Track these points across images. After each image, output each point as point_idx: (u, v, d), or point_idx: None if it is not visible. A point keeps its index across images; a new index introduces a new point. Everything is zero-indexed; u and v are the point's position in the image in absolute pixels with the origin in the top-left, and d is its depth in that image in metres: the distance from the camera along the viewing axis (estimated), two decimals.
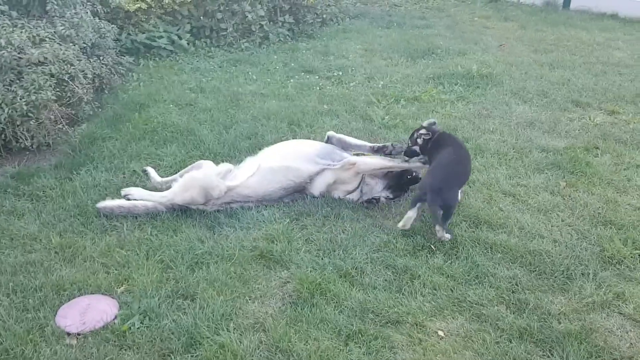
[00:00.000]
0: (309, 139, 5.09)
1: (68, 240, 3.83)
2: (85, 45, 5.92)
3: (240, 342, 3.01)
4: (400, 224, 3.89)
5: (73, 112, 5.40)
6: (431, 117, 4.50)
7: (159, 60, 7.55)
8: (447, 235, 3.83)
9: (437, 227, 3.81)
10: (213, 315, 3.18)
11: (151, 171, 4.60)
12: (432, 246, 3.81)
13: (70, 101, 5.31)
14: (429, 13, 11.02)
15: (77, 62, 5.41)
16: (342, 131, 5.02)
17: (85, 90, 5.40)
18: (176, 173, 4.53)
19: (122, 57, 6.96)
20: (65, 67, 5.21)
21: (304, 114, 5.85)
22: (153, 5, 7.58)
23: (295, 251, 3.76)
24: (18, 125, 4.82)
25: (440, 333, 3.13)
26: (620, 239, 3.88)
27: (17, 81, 4.87)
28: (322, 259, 3.69)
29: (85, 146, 5.13)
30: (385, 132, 5.49)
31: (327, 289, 3.38)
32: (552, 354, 3.00)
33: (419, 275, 3.52)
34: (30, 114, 4.81)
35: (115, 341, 3.05)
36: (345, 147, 4.69)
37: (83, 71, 5.44)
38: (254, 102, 6.20)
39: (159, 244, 3.80)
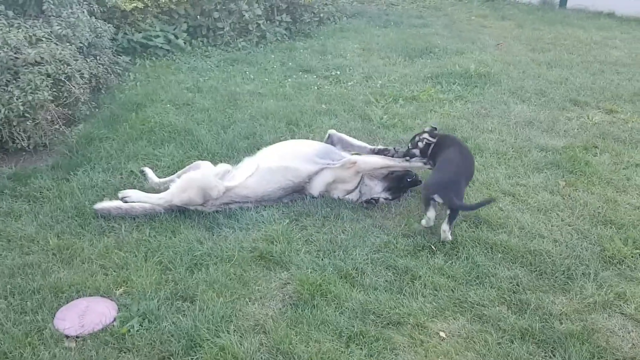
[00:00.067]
0: (308, 138, 5.08)
1: (66, 242, 3.80)
2: (81, 45, 5.89)
3: (241, 344, 2.99)
4: (423, 222, 3.91)
5: (70, 112, 5.36)
6: (432, 121, 4.49)
7: (155, 60, 7.51)
8: (450, 237, 3.81)
9: (444, 227, 3.79)
10: (213, 317, 3.15)
11: (149, 172, 4.57)
12: (433, 246, 3.79)
13: (67, 101, 5.27)
14: (426, 12, 11.02)
15: (74, 62, 5.37)
16: (341, 131, 4.99)
17: (82, 90, 5.36)
18: (174, 174, 4.50)
19: (119, 56, 6.92)
20: (62, 67, 5.17)
21: (302, 113, 5.83)
22: (149, 5, 7.55)
23: (295, 252, 3.74)
24: (14, 126, 4.78)
25: (442, 334, 3.11)
26: (620, 239, 3.87)
27: (14, 81, 4.82)
28: (322, 259, 3.67)
29: (82, 147, 5.09)
30: (384, 131, 5.47)
31: (328, 290, 3.36)
32: (554, 355, 2.99)
33: (420, 276, 3.51)
34: (26, 115, 4.77)
35: (114, 344, 3.02)
36: (345, 146, 4.68)
37: (80, 71, 5.40)
38: (252, 102, 6.18)
39: (158, 246, 3.78)
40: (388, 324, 3.17)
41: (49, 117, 4.98)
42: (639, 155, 5.10)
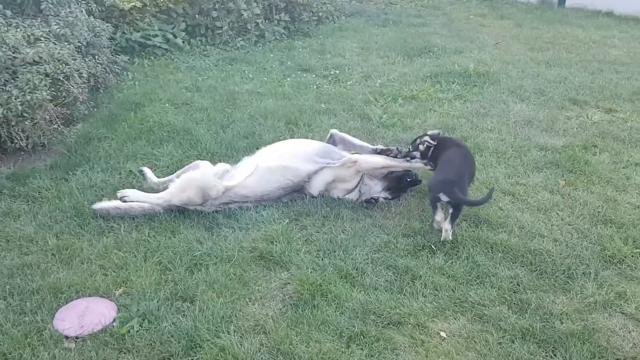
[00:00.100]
0: (307, 138, 5.07)
1: (65, 242, 3.78)
2: (80, 44, 5.87)
3: (241, 344, 2.98)
4: (435, 225, 3.91)
5: (68, 111, 5.34)
6: (435, 130, 4.50)
7: (154, 59, 7.50)
8: (450, 236, 3.81)
9: (447, 226, 3.79)
10: (213, 318, 3.14)
11: (148, 171, 4.56)
12: (433, 246, 3.79)
13: (66, 101, 5.25)
14: (425, 11, 11.01)
15: (72, 61, 5.36)
16: (341, 131, 4.97)
17: (80, 90, 5.34)
18: (173, 173, 4.49)
19: (117, 56, 6.90)
20: (60, 66, 5.15)
21: (302, 113, 5.82)
22: (148, 4, 7.52)
23: (295, 252, 3.73)
24: (13, 126, 4.76)
25: (443, 334, 3.10)
26: (620, 238, 3.87)
27: (12, 81, 4.80)
28: (322, 259, 3.66)
29: (80, 146, 5.08)
30: (384, 131, 5.47)
31: (328, 290, 3.35)
32: (555, 355, 2.98)
33: (420, 276, 3.50)
34: (25, 114, 4.76)
35: (114, 344, 3.01)
36: (347, 146, 4.67)
37: (78, 70, 5.38)
38: (251, 101, 6.16)
39: (157, 246, 3.77)
40: (389, 324, 3.16)
41: (47, 117, 4.97)
42: (639, 154, 5.10)
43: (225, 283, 3.43)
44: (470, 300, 3.32)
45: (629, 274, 3.57)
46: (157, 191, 4.26)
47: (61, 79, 5.16)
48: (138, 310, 3.20)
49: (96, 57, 6.17)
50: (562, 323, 3.17)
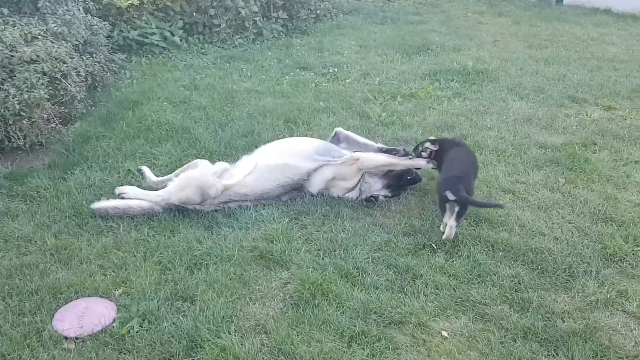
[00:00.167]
0: (306, 136, 5.05)
1: (64, 242, 3.76)
2: (77, 43, 5.84)
3: (242, 344, 2.96)
4: (441, 228, 3.88)
5: (66, 110, 5.31)
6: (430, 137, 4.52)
7: (151, 57, 7.46)
8: (452, 235, 3.80)
9: (452, 223, 3.76)
10: (213, 318, 3.12)
11: (146, 170, 4.54)
12: (434, 245, 3.77)
13: (63, 99, 5.22)
14: (423, 9, 10.98)
15: (70, 59, 5.33)
16: None
17: (78, 89, 5.31)
18: (172, 172, 4.47)
19: (115, 54, 6.85)
20: (58, 65, 5.12)
21: (300, 111, 5.79)
22: (145, 2, 7.48)
23: (295, 251, 3.71)
24: (10, 125, 4.73)
25: (444, 333, 3.09)
26: (621, 236, 3.86)
27: (9, 80, 4.77)
28: (322, 258, 3.65)
29: (78, 145, 5.05)
30: (383, 129, 5.45)
31: (329, 290, 3.34)
32: (557, 354, 2.97)
33: (421, 275, 3.49)
34: (22, 113, 4.72)
35: (114, 345, 2.99)
36: (351, 144, 4.66)
37: (76, 69, 5.35)
38: (249, 100, 6.14)
39: (157, 245, 3.75)
40: (390, 323, 3.15)
41: (45, 116, 4.94)
42: (638, 152, 5.10)
43: (225, 283, 3.41)
44: (471, 299, 3.31)
45: (630, 272, 3.56)
46: (156, 190, 4.24)
47: (59, 77, 5.12)
48: (138, 310, 3.18)
49: (94, 55, 6.13)
50: (563, 322, 3.16)
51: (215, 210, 4.11)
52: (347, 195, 4.34)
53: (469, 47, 8.20)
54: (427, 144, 4.32)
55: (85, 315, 3.15)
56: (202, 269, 3.54)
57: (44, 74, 4.96)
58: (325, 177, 4.32)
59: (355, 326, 3.10)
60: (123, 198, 4.14)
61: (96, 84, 6.17)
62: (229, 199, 4.18)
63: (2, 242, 3.77)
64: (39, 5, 5.81)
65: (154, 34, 7.61)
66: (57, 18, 5.75)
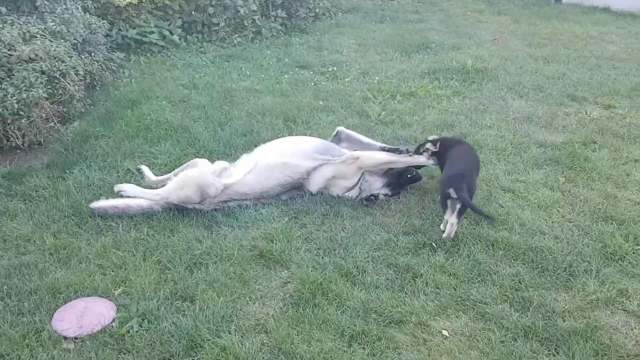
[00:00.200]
0: (306, 135, 5.04)
1: (63, 241, 3.75)
2: (76, 42, 5.82)
3: (242, 344, 2.95)
4: (442, 227, 3.87)
5: (65, 109, 5.30)
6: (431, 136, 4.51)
7: (150, 56, 7.44)
8: (452, 233, 3.79)
9: (453, 220, 3.75)
10: (213, 317, 3.12)
11: (146, 169, 4.53)
12: (434, 244, 3.77)
13: (62, 98, 5.21)
14: (422, 7, 10.97)
15: (69, 58, 5.31)
16: None
17: (76, 87, 5.30)
18: (171, 171, 4.46)
19: (113, 53, 6.84)
20: (57, 63, 5.11)
21: (300, 110, 5.78)
22: (144, 0, 7.47)
23: (295, 250, 3.71)
24: (9, 124, 4.72)
25: (445, 332, 3.09)
26: (621, 235, 3.86)
27: (8, 79, 4.76)
28: (322, 258, 3.64)
29: (77, 144, 5.04)
30: (382, 128, 5.44)
31: (329, 289, 3.33)
32: (557, 353, 2.97)
33: (421, 274, 3.48)
34: (21, 112, 4.71)
35: (114, 345, 2.98)
36: (353, 144, 4.65)
37: (74, 68, 5.33)
38: (248, 99, 6.13)
39: (156, 245, 3.74)
40: (390, 322, 3.15)
41: (43, 115, 4.92)
42: (638, 150, 5.09)
43: (225, 282, 3.40)
44: (471, 299, 3.31)
45: (630, 271, 3.56)
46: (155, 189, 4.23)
47: (57, 76, 5.11)
48: (137, 310, 3.17)
49: (92, 54, 6.12)
50: (564, 321, 3.16)
51: (215, 210, 4.11)
52: (347, 194, 4.33)
53: (468, 46, 8.19)
54: (428, 145, 4.31)
55: (84, 315, 3.14)
56: (202, 268, 3.53)
57: (43, 73, 4.95)
58: (325, 176, 4.31)
59: (355, 325, 3.09)
60: (122, 196, 4.13)
61: (95, 83, 6.16)
62: (229, 198, 4.17)
63: (1, 242, 3.77)
64: (38, 4, 5.81)
65: (152, 32, 7.59)
66: (56, 17, 5.73)
